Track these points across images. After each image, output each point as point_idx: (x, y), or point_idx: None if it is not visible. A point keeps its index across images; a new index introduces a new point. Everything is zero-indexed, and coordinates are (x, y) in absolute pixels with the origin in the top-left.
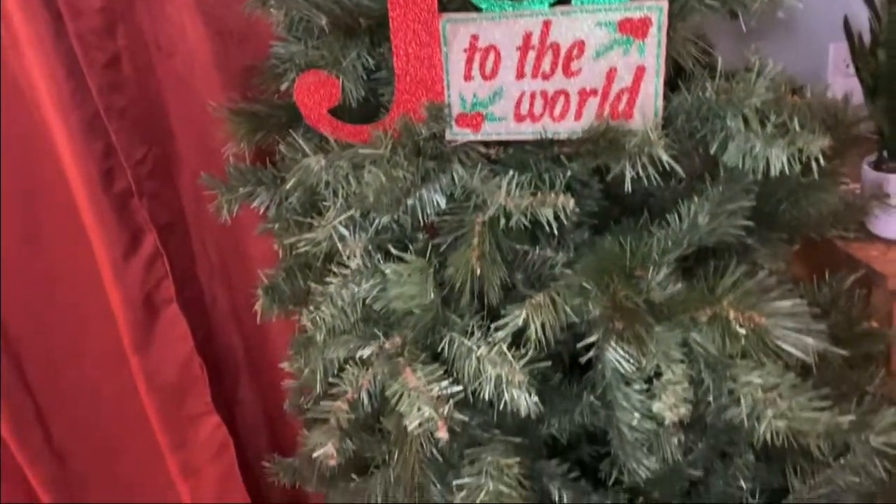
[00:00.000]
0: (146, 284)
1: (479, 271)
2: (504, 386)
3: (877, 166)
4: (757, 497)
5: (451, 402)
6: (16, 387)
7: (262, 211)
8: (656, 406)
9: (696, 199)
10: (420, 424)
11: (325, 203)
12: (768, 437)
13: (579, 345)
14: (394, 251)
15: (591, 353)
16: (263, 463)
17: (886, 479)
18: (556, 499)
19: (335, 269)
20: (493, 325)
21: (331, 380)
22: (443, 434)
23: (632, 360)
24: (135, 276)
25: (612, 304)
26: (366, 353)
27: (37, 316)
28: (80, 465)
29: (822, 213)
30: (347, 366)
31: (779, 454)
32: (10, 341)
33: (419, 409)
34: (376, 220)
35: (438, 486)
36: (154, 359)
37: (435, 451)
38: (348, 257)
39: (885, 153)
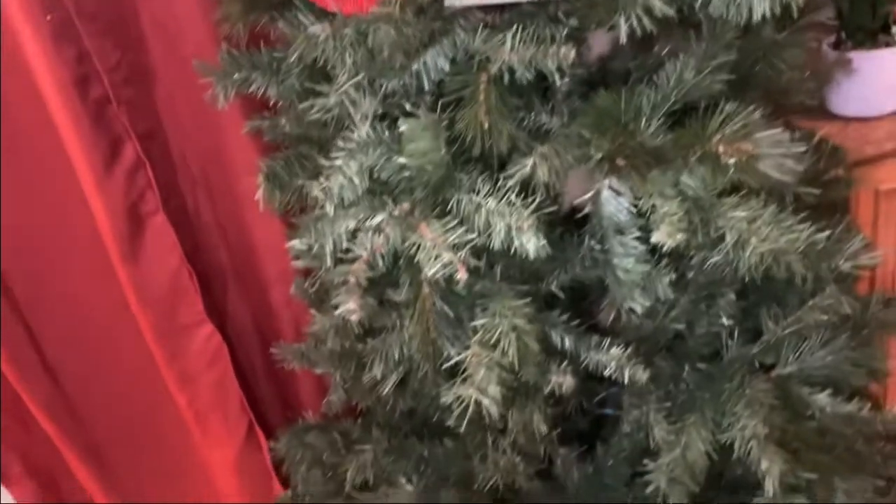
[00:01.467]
0: (130, 195)
1: (486, 125)
2: (514, 233)
3: (836, 46)
4: (735, 338)
5: (467, 248)
6: (3, 306)
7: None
8: (655, 236)
9: (681, 56)
10: (440, 269)
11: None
12: (753, 261)
13: (576, 201)
14: (407, 107)
15: (588, 209)
16: (271, 350)
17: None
18: (559, 345)
19: (341, 143)
20: (502, 175)
21: (339, 255)
22: (463, 275)
23: (627, 207)
24: (117, 187)
25: (612, 145)
26: (376, 220)
27: (19, 232)
28: (75, 383)
29: (793, 73)
30: (358, 235)
31: (754, 301)
32: None
33: (438, 257)
34: (384, 86)
35: (451, 341)
36: (143, 271)
37: (446, 307)
38: (358, 122)
39: (843, 34)
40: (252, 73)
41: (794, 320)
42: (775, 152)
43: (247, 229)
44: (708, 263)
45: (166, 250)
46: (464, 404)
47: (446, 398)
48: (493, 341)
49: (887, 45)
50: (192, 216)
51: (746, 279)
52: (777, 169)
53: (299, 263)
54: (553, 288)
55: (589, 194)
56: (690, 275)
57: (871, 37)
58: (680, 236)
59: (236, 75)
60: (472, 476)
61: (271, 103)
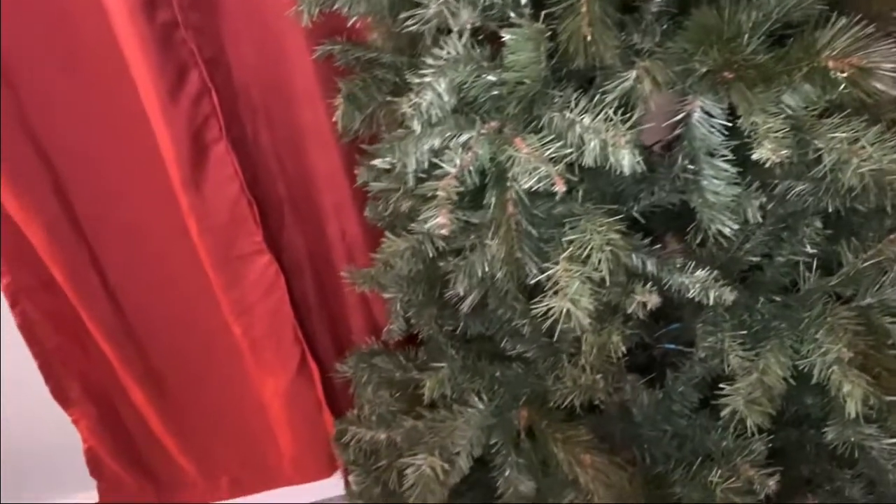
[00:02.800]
0: (194, 121)
1: (589, 36)
2: (609, 149)
3: None
4: (814, 269)
5: (563, 162)
6: (67, 230)
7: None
8: (758, 153)
9: None
10: (536, 182)
11: None
12: (853, 183)
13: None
14: (512, 16)
15: (678, 131)
16: (341, 274)
17: None
18: (639, 266)
19: (430, 59)
20: (598, 91)
21: (420, 175)
22: (561, 188)
23: (720, 128)
24: (182, 113)
25: (719, 59)
26: (463, 138)
27: (82, 155)
28: (135, 307)
29: None
30: (443, 154)
31: (833, 234)
32: (59, 181)
33: (535, 170)
34: None
35: (534, 260)
36: (204, 198)
37: (531, 227)
38: (454, 34)
39: None
40: None
41: (874, 253)
42: (888, 66)
43: (305, 161)
44: (792, 193)
45: (227, 179)
46: (552, 319)
47: (536, 311)
48: (584, 256)
49: None
50: (252, 146)
51: (829, 209)
52: (890, 83)
53: (376, 185)
54: (636, 211)
55: (680, 115)
56: (773, 205)
57: None
58: (785, 152)
59: None
60: (546, 395)
61: (345, 26)
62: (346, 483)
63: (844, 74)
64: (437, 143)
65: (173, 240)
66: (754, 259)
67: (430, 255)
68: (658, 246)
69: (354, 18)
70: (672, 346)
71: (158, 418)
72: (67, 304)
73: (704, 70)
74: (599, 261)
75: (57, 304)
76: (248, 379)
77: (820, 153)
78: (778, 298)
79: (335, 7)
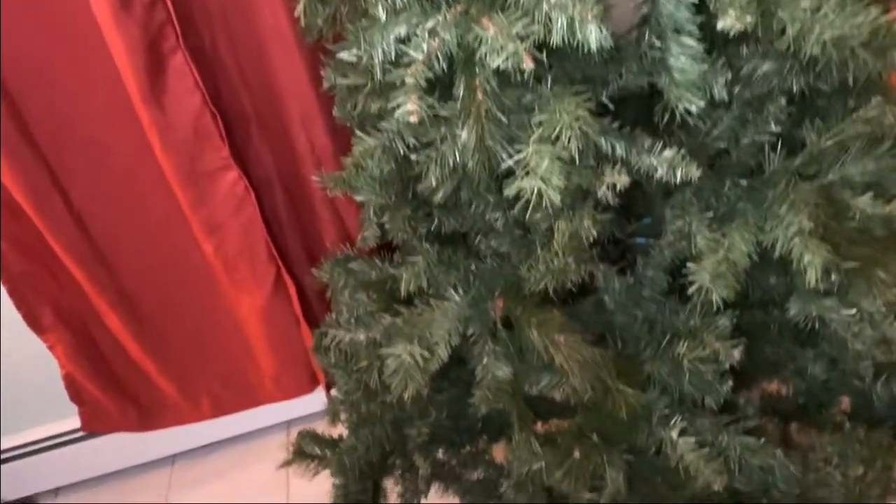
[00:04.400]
0: (149, 30)
1: None
2: (577, 25)
3: None
4: (778, 151)
5: (531, 39)
6: (26, 152)
7: None
8: (721, 23)
9: None
10: (504, 60)
11: None
12: (816, 51)
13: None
14: None
15: (644, 10)
16: (313, 178)
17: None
18: (609, 150)
19: None
20: None
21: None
22: (529, 64)
23: (686, 4)
24: (135, 21)
25: None
26: (429, 24)
27: (34, 70)
28: (102, 229)
29: None
30: (409, 42)
31: (798, 116)
32: (12, 101)
33: (502, 48)
34: None
35: (505, 148)
36: (165, 112)
37: (500, 115)
38: None
39: None
40: None
41: (837, 131)
42: None
43: (268, 69)
44: (757, 73)
45: (187, 91)
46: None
47: (508, 191)
48: (553, 136)
49: None
50: (211, 55)
51: (794, 90)
52: None
53: (343, 81)
54: (604, 97)
55: None
56: (738, 88)
57: None
58: (749, 19)
59: None
60: (520, 285)
61: None
62: (328, 394)
63: None
64: (402, 30)
65: (137, 158)
66: (721, 144)
67: (402, 152)
68: (628, 129)
69: None
70: (643, 240)
71: (135, 341)
72: (32, 227)
73: None
74: (569, 139)
75: (21, 228)
76: (223, 298)
77: (784, 25)
78: (744, 182)
79: None
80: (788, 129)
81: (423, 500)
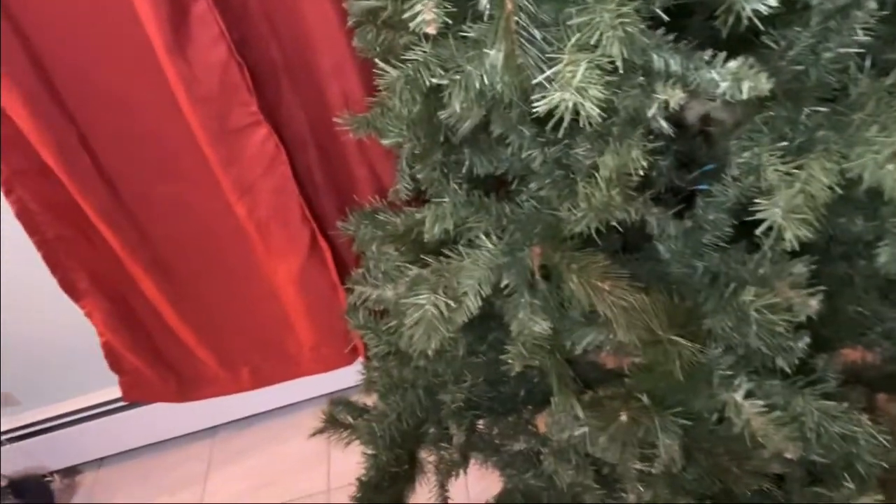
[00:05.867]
0: None
1: None
2: None
3: None
4: (865, 69)
5: None
6: (53, 111)
7: None
8: None
9: None
10: None
11: None
12: None
13: None
14: None
15: None
16: (335, 119)
17: None
18: (661, 66)
19: None
20: None
21: None
22: None
23: None
24: None
25: None
26: None
27: (59, 25)
28: (131, 190)
29: None
30: None
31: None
32: (38, 60)
33: None
34: None
35: (540, 65)
36: (191, 64)
37: (533, 28)
38: None
39: None
40: None
41: None
42: None
43: (298, 17)
44: None
45: (212, 41)
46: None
47: (538, 108)
48: (593, 41)
49: None
50: (237, 3)
51: None
52: None
53: (363, 4)
54: (657, 6)
55: None
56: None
57: None
58: None
59: None
60: (560, 228)
61: None
62: (366, 359)
63: None
64: None
65: (164, 114)
66: (799, 67)
67: (427, 83)
68: (684, 41)
69: None
70: (706, 186)
71: (171, 308)
72: (63, 190)
73: None
74: (611, 43)
75: (53, 191)
76: (259, 264)
77: None
78: (824, 108)
79: None
80: (880, 44)
81: (460, 473)
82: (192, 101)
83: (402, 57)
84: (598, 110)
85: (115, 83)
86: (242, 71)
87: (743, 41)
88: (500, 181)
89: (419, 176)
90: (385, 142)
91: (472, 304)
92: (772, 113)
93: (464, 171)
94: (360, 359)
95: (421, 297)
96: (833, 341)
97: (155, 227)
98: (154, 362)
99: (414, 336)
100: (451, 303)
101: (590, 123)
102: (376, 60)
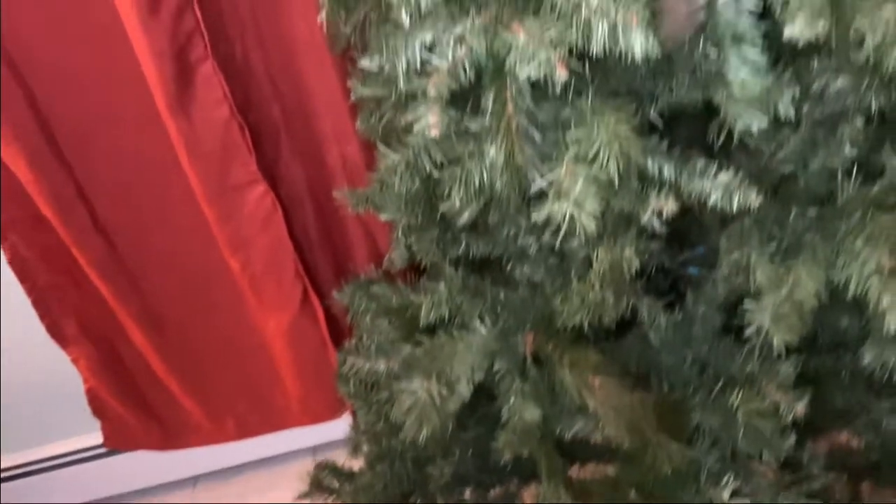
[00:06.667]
0: (177, 38)
1: None
2: (619, 32)
3: None
4: (853, 177)
5: (566, 45)
6: (52, 162)
7: None
8: (788, 31)
9: None
10: (535, 69)
11: None
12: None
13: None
14: None
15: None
16: (333, 194)
17: None
18: (655, 172)
19: None
20: None
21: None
22: (562, 74)
23: (749, 10)
24: (163, 29)
25: None
26: (457, 30)
27: (61, 77)
28: (127, 241)
29: None
30: (435, 49)
31: (876, 137)
32: (39, 110)
33: (532, 56)
34: None
35: (539, 166)
36: (193, 123)
37: (533, 130)
38: None
39: None
40: None
41: None
42: None
43: (301, 81)
44: (830, 91)
45: (216, 102)
46: (554, 227)
47: (537, 218)
48: (591, 155)
49: None
50: (242, 65)
51: (873, 108)
52: None
53: (367, 91)
54: (653, 113)
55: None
56: (806, 108)
57: None
58: (821, 26)
59: None
60: (553, 318)
61: None
62: (354, 422)
63: None
64: (428, 37)
65: (164, 169)
66: (787, 169)
67: (427, 168)
68: (677, 148)
69: None
70: (695, 270)
71: (159, 358)
72: (58, 239)
73: None
74: (608, 159)
75: (47, 239)
76: (249, 317)
77: (862, 35)
78: (812, 211)
79: None
80: (865, 152)
81: None
82: (192, 157)
83: (403, 140)
84: (593, 224)
85: (115, 137)
86: (243, 131)
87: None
88: (496, 260)
89: (415, 248)
90: (383, 217)
91: (465, 390)
92: (761, 212)
93: (460, 251)
94: (347, 412)
95: (413, 383)
96: (820, 429)
97: (147, 278)
98: (138, 410)
99: (406, 423)
100: (444, 390)
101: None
102: (378, 143)
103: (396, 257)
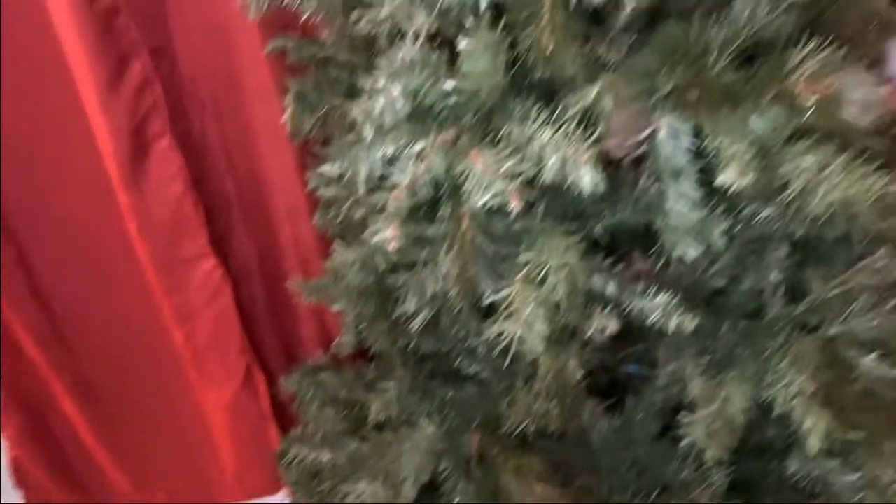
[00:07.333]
0: (135, 115)
1: (551, 48)
2: (569, 167)
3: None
4: (780, 296)
5: (521, 179)
6: None
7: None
8: (722, 177)
9: None
10: (491, 199)
11: None
12: (819, 211)
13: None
14: (467, 24)
15: (642, 149)
16: (286, 284)
17: None
18: (599, 289)
19: (384, 63)
20: (560, 105)
21: (372, 184)
22: (517, 206)
23: (686, 148)
24: (122, 106)
25: (683, 79)
26: (417, 147)
27: (16, 147)
28: (66, 310)
29: (864, 18)
30: (396, 162)
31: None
32: None
33: (489, 186)
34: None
35: (489, 279)
36: (146, 197)
37: (486, 243)
38: (409, 38)
39: None
40: None
41: (842, 281)
42: (859, 94)
43: (257, 160)
44: (760, 217)
45: (171, 176)
46: (504, 342)
47: (488, 334)
48: (539, 278)
49: None
50: (199, 142)
51: (796, 235)
52: (860, 111)
53: (326, 192)
54: (598, 231)
55: (645, 133)
56: (739, 228)
57: None
58: (750, 177)
59: None
60: (499, 421)
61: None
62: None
63: (812, 101)
64: (389, 151)
65: (110, 240)
66: (720, 283)
67: (382, 267)
68: (621, 266)
69: (307, 14)
70: (635, 368)
71: (90, 428)
72: None
73: (669, 88)
74: (556, 284)
75: None
76: (189, 389)
77: (786, 179)
78: (743, 324)
79: (286, 1)
80: (791, 272)
81: None
82: (142, 229)
83: (359, 237)
84: (542, 345)
85: (62, 205)
86: (196, 206)
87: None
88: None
89: (364, 335)
90: (335, 308)
91: (410, 492)
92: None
93: (411, 345)
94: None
95: (359, 484)
96: None
97: (85, 347)
98: (63, 480)
99: None
100: (390, 492)
101: None
102: (335, 240)
103: (346, 343)
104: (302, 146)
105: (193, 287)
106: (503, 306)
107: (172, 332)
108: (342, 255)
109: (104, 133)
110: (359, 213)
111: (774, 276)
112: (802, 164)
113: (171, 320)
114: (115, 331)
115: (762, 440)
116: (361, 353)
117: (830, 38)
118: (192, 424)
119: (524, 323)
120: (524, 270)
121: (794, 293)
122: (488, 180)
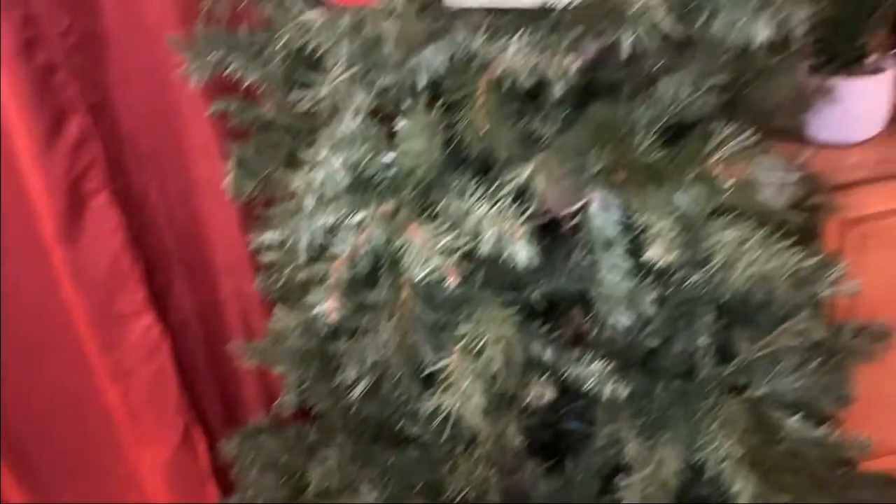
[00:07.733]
0: (72, 171)
1: (485, 129)
2: (505, 241)
3: (813, 71)
4: (709, 357)
5: (458, 254)
6: None
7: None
8: (649, 253)
9: (677, 73)
10: (429, 273)
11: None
12: (739, 283)
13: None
14: (403, 106)
15: (574, 220)
16: (225, 346)
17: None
18: (539, 357)
19: (326, 135)
20: (496, 181)
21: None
22: (454, 281)
23: (616, 221)
24: (59, 162)
25: (611, 158)
26: (357, 218)
27: None
28: None
29: (779, 99)
30: (337, 232)
31: (728, 322)
32: None
33: (427, 261)
34: (378, 80)
35: (429, 347)
36: (81, 252)
37: (426, 312)
38: (349, 115)
39: (820, 59)
40: (230, 53)
41: (766, 343)
42: (772, 178)
43: (197, 216)
44: (688, 282)
45: (108, 232)
46: (443, 413)
47: (427, 406)
48: (477, 350)
49: (863, 73)
50: (139, 198)
51: (723, 300)
52: (773, 194)
53: (267, 257)
54: (535, 298)
55: (577, 205)
56: (669, 292)
57: (847, 65)
58: (675, 254)
59: (213, 54)
60: (441, 486)
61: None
62: None
63: (729, 183)
64: (330, 220)
65: (41, 295)
66: (653, 344)
67: (323, 332)
68: (558, 332)
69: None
70: (576, 425)
71: (18, 490)
72: None
73: (599, 168)
74: (493, 356)
75: None
76: (124, 449)
77: (710, 251)
78: (676, 385)
79: (226, 72)
80: (720, 334)
81: None
82: (77, 285)
83: (300, 300)
84: (479, 417)
85: None
86: (135, 262)
87: None
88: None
89: (305, 396)
90: (276, 370)
91: None
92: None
93: (352, 411)
94: None
95: None
96: None
97: (12, 405)
98: None
99: None
100: None
101: None
102: (275, 303)
103: (287, 403)
104: (245, 204)
105: (129, 344)
106: (442, 377)
107: (106, 392)
108: (283, 319)
109: (40, 189)
110: (300, 277)
111: (703, 339)
112: (724, 238)
113: (106, 378)
114: (48, 389)
115: (697, 500)
116: (304, 413)
117: (751, 114)
118: (126, 484)
119: (462, 395)
120: (462, 342)
121: (724, 354)
122: (426, 255)
